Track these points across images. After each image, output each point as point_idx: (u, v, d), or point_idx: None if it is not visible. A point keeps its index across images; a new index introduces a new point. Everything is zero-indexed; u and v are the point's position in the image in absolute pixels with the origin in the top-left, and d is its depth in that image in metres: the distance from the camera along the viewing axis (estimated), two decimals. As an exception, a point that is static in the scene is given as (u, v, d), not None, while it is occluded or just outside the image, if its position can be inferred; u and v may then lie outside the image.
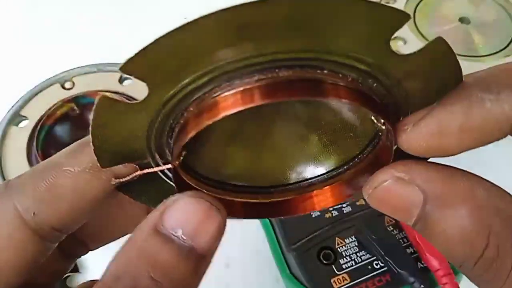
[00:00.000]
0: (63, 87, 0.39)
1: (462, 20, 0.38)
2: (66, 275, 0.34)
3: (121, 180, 0.16)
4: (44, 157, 0.34)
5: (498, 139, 0.14)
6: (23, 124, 0.37)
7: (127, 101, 0.15)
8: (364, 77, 0.14)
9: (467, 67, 0.34)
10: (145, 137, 0.15)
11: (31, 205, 0.15)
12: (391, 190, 0.15)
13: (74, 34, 0.53)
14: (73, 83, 0.39)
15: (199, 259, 0.14)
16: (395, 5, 0.39)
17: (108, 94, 0.17)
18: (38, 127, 0.35)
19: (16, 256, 0.15)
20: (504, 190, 0.14)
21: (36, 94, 0.39)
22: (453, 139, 0.14)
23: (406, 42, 0.36)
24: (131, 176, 0.16)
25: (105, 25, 0.53)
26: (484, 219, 0.13)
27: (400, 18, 0.13)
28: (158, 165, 0.16)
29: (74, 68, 0.40)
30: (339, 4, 0.13)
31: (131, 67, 0.14)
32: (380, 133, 0.16)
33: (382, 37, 0.13)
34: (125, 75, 0.40)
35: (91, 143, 0.16)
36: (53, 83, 0.39)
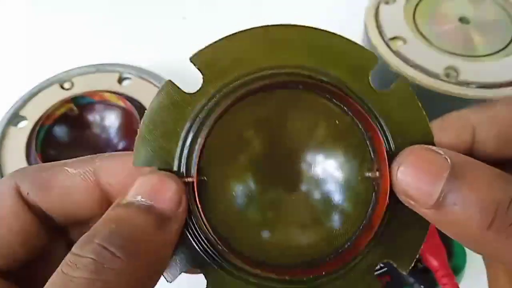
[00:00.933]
0: (62, 88, 0.39)
1: (461, 20, 0.38)
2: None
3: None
4: (43, 157, 0.34)
5: None
6: (22, 124, 0.37)
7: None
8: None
9: (467, 67, 0.34)
10: (183, 136, 0.18)
11: (26, 185, 0.17)
12: (422, 155, 0.16)
13: (73, 34, 0.52)
14: (72, 84, 0.39)
15: (161, 218, 0.16)
16: (395, 5, 0.39)
17: (172, 81, 0.19)
18: (37, 127, 0.35)
19: (17, 225, 0.17)
20: None
21: (35, 94, 0.39)
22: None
23: (406, 41, 0.36)
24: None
25: (104, 26, 0.53)
26: (504, 175, 0.15)
27: (373, 58, 0.19)
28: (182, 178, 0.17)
29: (73, 69, 0.40)
30: (333, 38, 0.19)
31: (197, 59, 0.18)
32: (375, 186, 0.18)
33: (363, 72, 0.19)
34: (124, 76, 0.40)
35: (139, 128, 0.17)
36: (52, 84, 0.39)
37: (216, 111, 0.18)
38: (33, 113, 0.37)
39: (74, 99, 0.37)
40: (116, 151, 0.36)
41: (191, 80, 0.47)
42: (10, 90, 0.43)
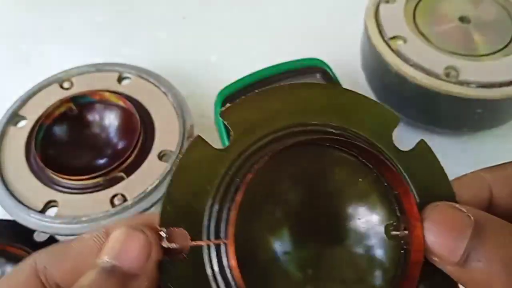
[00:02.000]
0: (62, 87, 0.39)
1: (462, 19, 0.38)
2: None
3: (173, 245, 0.16)
4: (42, 157, 0.34)
5: None
6: (21, 124, 0.37)
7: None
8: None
9: (467, 66, 0.34)
10: (212, 194, 0.17)
11: (44, 260, 0.18)
12: (445, 212, 0.16)
13: (73, 33, 0.52)
14: (72, 83, 0.39)
15: (126, 277, 0.16)
16: (395, 4, 0.39)
17: (201, 136, 0.18)
18: (37, 127, 0.35)
19: None
20: None
21: (35, 94, 0.38)
22: None
23: (406, 41, 0.36)
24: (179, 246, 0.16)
25: (104, 25, 0.53)
26: None
27: (395, 119, 0.19)
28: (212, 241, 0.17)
29: (73, 68, 0.40)
30: (357, 98, 0.20)
31: (226, 115, 0.18)
32: (404, 245, 0.18)
33: (387, 132, 0.19)
34: (123, 76, 0.40)
35: (167, 186, 0.17)
36: (51, 83, 0.39)
37: (246, 169, 0.17)
38: (33, 112, 0.37)
39: (74, 99, 0.37)
40: (115, 150, 0.36)
41: (191, 80, 0.48)
42: (9, 89, 0.43)
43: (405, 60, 0.35)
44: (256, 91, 0.19)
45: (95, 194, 0.33)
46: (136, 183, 0.33)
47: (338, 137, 0.18)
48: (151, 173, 0.33)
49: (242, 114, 0.18)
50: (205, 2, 0.54)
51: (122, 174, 0.33)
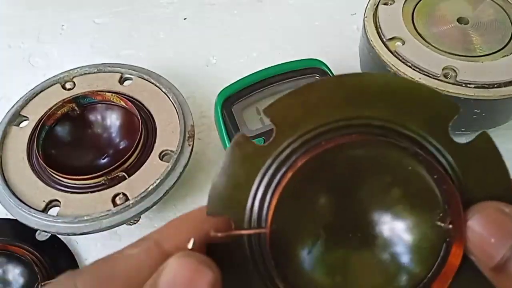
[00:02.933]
0: (64, 88, 0.39)
1: (460, 20, 0.38)
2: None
3: (219, 234, 0.17)
4: (44, 157, 0.34)
5: None
6: (23, 124, 0.37)
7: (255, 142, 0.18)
8: (433, 159, 0.17)
9: (466, 67, 0.35)
10: (255, 188, 0.18)
11: (87, 283, 0.15)
12: (490, 215, 0.16)
13: (74, 34, 0.53)
14: (74, 84, 0.40)
15: None
16: (394, 6, 0.39)
17: (244, 134, 0.19)
18: (39, 127, 0.35)
19: None
20: None
21: (37, 94, 0.39)
22: None
23: (405, 42, 0.37)
24: (225, 234, 0.17)
25: (105, 26, 0.53)
26: None
27: (454, 109, 0.18)
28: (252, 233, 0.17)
29: (75, 69, 0.40)
30: (413, 86, 0.18)
31: (269, 110, 0.18)
32: (447, 239, 0.18)
33: (444, 123, 0.18)
34: (125, 76, 0.40)
35: (213, 179, 0.18)
36: (53, 83, 0.39)
37: (287, 165, 0.18)
38: (35, 112, 0.37)
39: (76, 99, 0.37)
40: (117, 150, 0.37)
41: (191, 80, 0.48)
42: (11, 89, 0.43)
43: (404, 61, 0.36)
44: (301, 86, 0.18)
45: (97, 193, 0.33)
46: (138, 183, 0.33)
47: (381, 137, 0.18)
48: (153, 173, 0.33)
49: (285, 110, 0.18)
50: (206, 3, 0.55)
51: (123, 173, 0.33)
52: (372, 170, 0.19)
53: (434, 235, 0.18)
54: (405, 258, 0.19)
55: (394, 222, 0.19)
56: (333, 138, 0.18)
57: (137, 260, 0.16)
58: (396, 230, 0.19)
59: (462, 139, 0.44)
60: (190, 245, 0.16)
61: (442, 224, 0.18)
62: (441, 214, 0.18)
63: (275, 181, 0.17)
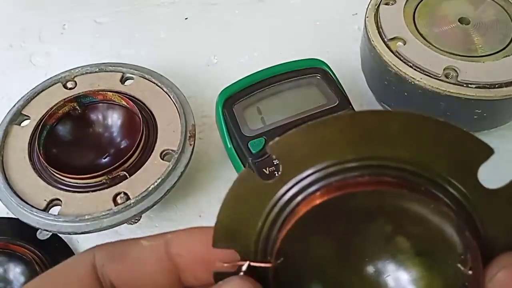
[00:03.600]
0: (65, 87, 0.39)
1: (461, 20, 0.38)
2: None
3: (224, 265, 0.17)
4: (46, 156, 0.34)
5: None
6: (25, 123, 0.37)
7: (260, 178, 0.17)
8: (455, 204, 0.16)
9: (467, 67, 0.35)
10: (261, 223, 0.17)
11: (102, 257, 0.18)
12: None
13: (76, 34, 0.53)
14: (75, 83, 0.40)
15: None
16: (395, 6, 0.39)
17: (249, 169, 0.19)
18: (40, 126, 0.36)
19: None
20: None
21: (38, 93, 0.39)
22: None
23: (406, 42, 0.37)
24: (231, 265, 0.17)
25: (107, 26, 0.53)
26: None
27: (486, 151, 0.16)
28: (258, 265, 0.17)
29: (76, 68, 0.40)
30: (441, 126, 0.16)
31: (273, 148, 0.17)
32: (466, 283, 0.17)
33: (472, 167, 0.16)
34: (126, 76, 0.40)
35: (218, 214, 0.17)
36: (55, 83, 0.40)
37: (292, 206, 0.17)
38: (36, 112, 0.38)
39: (77, 98, 0.37)
40: (118, 149, 0.37)
41: (193, 80, 0.48)
42: (13, 88, 0.43)
43: (405, 61, 0.36)
44: (311, 122, 0.16)
45: (98, 192, 0.33)
46: (139, 182, 0.33)
47: (393, 184, 0.16)
48: (154, 172, 0.33)
49: (292, 146, 0.17)
50: (207, 2, 0.55)
51: (124, 173, 0.34)
52: (384, 215, 0.18)
53: (453, 280, 0.17)
54: None
55: (405, 273, 0.18)
56: (344, 180, 0.16)
57: (145, 252, 0.18)
58: (405, 280, 0.18)
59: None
60: (244, 268, 0.17)
61: (462, 268, 0.17)
62: (462, 257, 0.17)
63: (281, 218, 0.17)
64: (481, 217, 0.16)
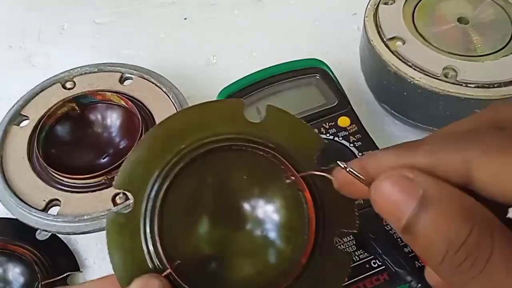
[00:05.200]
0: (64, 87, 0.39)
1: (460, 20, 0.38)
2: (67, 274, 0.34)
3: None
4: (45, 157, 0.34)
5: None
6: (24, 123, 0.37)
7: (125, 212, 0.22)
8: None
9: (466, 66, 0.35)
10: (144, 243, 0.21)
11: None
12: (395, 181, 0.17)
13: (75, 34, 0.53)
14: (74, 83, 0.40)
15: None
16: (394, 5, 0.39)
17: (113, 209, 0.25)
18: (39, 126, 0.36)
19: None
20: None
21: (37, 93, 0.39)
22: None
23: (405, 42, 0.37)
24: None
25: (106, 26, 0.53)
26: (469, 214, 0.15)
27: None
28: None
29: (75, 68, 0.40)
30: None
31: (118, 185, 0.22)
32: (298, 188, 0.22)
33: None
34: (125, 76, 0.40)
35: (110, 259, 0.21)
36: (54, 83, 0.40)
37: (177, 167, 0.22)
38: (35, 112, 0.38)
39: (76, 99, 0.37)
40: (117, 149, 0.37)
41: (192, 80, 0.48)
42: (12, 89, 0.43)
43: (404, 60, 0.36)
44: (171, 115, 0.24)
45: (97, 192, 0.33)
46: (138, 182, 0.33)
47: (237, 142, 0.23)
48: (152, 172, 0.33)
49: (129, 175, 0.22)
50: (206, 3, 0.55)
51: (123, 173, 0.33)
52: (234, 168, 0.23)
53: (288, 193, 0.23)
54: (272, 235, 0.23)
55: (257, 203, 0.23)
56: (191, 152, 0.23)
57: None
58: (261, 210, 0.23)
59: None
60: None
61: (287, 180, 0.23)
62: (285, 176, 0.23)
63: (155, 221, 0.21)
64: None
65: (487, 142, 0.16)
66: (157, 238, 0.21)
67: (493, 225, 0.15)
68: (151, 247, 0.21)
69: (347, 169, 0.18)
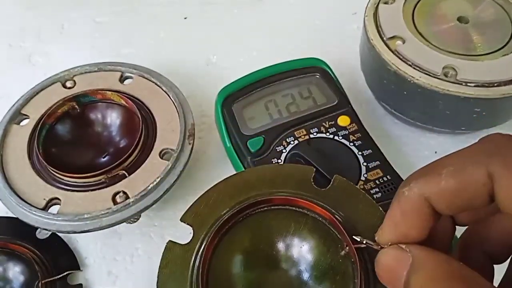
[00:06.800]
0: (64, 86, 0.39)
1: (460, 19, 0.38)
2: (67, 272, 0.34)
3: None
4: (45, 156, 0.34)
5: None
6: (24, 122, 0.37)
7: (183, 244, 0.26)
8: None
9: (466, 66, 0.35)
10: (189, 278, 0.24)
11: None
12: (390, 254, 0.20)
13: (75, 33, 0.53)
14: (74, 82, 0.40)
15: None
16: (394, 5, 0.39)
17: (171, 240, 0.27)
18: (39, 125, 0.36)
19: None
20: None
21: (37, 92, 0.39)
22: None
23: (405, 41, 0.37)
24: None
25: (106, 25, 0.53)
26: (455, 276, 0.17)
27: (310, 171, 0.27)
28: None
29: (75, 67, 0.40)
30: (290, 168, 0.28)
31: (185, 218, 0.27)
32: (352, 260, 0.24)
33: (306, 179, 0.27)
34: (125, 75, 0.40)
35: (158, 280, 0.25)
36: (54, 82, 0.40)
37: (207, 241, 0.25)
38: (35, 111, 0.38)
39: (76, 98, 0.37)
40: (117, 148, 0.37)
41: (192, 79, 0.48)
42: (12, 88, 0.43)
43: (404, 59, 0.36)
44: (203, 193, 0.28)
45: (97, 191, 0.33)
46: (138, 181, 0.33)
47: (266, 203, 0.26)
48: (153, 171, 0.33)
49: (194, 212, 0.27)
50: (206, 2, 0.55)
51: (124, 172, 0.34)
52: (293, 232, 0.26)
53: (338, 260, 0.24)
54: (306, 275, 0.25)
55: (310, 271, 0.25)
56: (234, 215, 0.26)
57: None
58: (301, 253, 0.26)
59: (462, 138, 0.44)
60: None
61: (342, 252, 0.24)
62: (339, 246, 0.25)
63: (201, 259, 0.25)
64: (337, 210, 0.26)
65: (508, 159, 0.17)
66: (202, 276, 0.24)
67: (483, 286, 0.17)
68: (194, 279, 0.24)
69: (364, 242, 0.21)
